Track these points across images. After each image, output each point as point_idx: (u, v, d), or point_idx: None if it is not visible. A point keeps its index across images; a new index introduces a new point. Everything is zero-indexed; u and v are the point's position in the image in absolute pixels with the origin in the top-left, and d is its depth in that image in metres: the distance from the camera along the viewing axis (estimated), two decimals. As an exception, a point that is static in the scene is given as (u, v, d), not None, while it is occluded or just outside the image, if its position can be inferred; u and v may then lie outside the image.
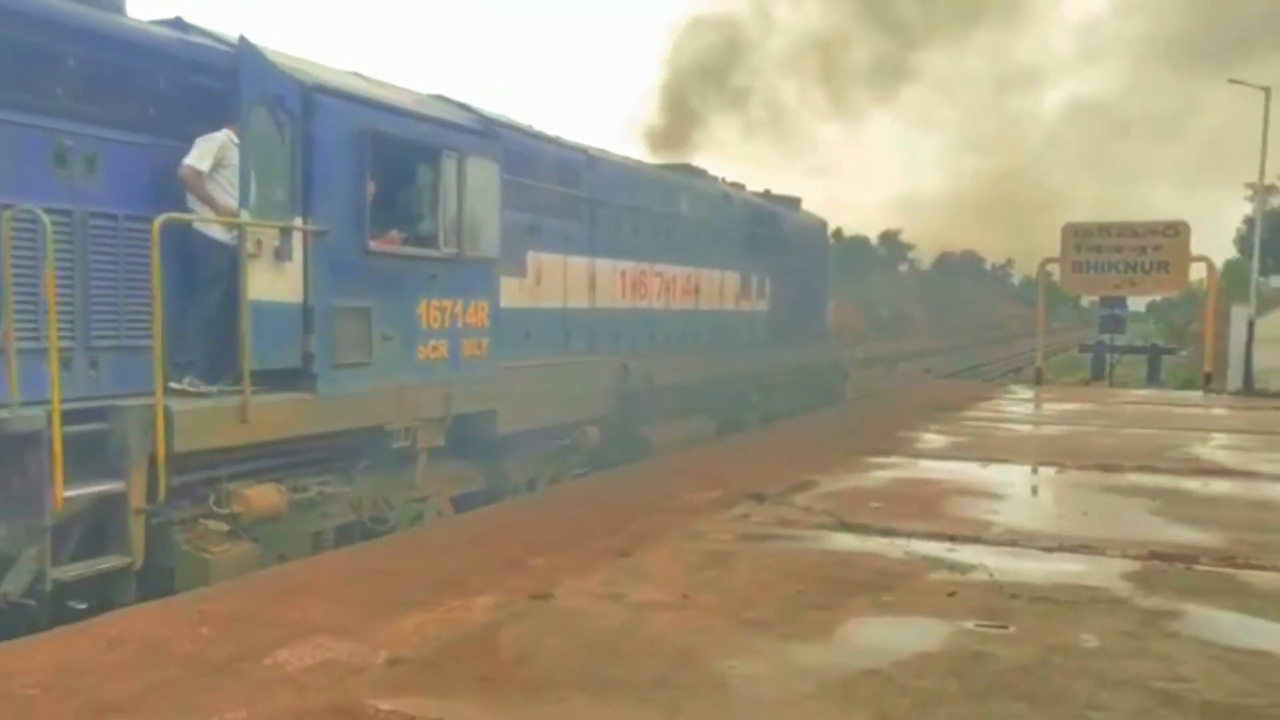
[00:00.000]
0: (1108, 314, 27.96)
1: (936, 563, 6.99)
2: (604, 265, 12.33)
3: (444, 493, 9.66)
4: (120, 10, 7.62)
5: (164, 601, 5.96)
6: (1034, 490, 10.62)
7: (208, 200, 7.61)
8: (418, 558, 6.91)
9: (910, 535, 7.78)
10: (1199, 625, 5.71)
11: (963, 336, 67.00)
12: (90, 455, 6.53)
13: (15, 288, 6.41)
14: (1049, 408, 19.56)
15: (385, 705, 4.37)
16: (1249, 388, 22.77)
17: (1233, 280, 42.43)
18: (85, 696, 4.42)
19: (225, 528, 7.32)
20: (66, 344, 6.68)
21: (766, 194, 18.29)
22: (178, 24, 8.16)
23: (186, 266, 7.46)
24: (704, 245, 14.92)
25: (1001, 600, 6.12)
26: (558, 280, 11.34)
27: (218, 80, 7.82)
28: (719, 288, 15.49)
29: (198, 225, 7.54)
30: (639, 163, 14.60)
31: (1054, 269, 25.69)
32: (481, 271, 9.88)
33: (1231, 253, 53.17)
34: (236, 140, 7.66)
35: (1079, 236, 24.63)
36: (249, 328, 7.42)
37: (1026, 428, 16.17)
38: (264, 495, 7.53)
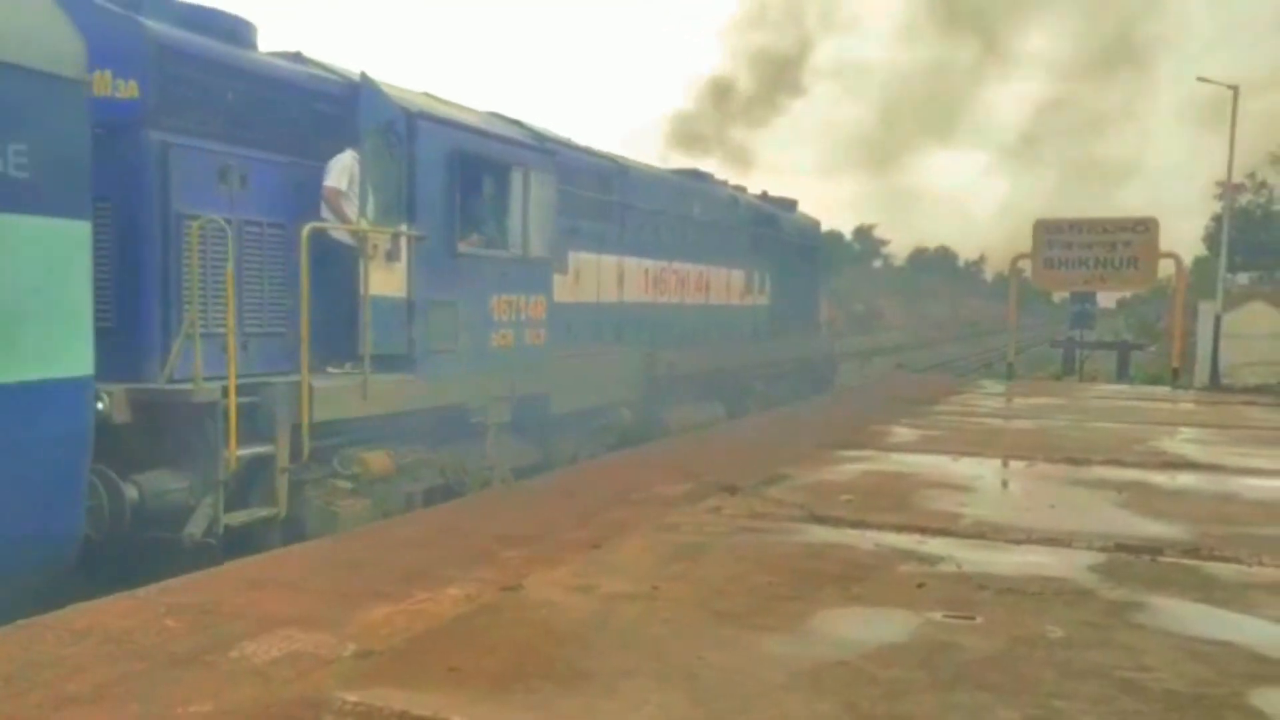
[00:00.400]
0: (1078, 310, 28.25)
1: (906, 555, 7.02)
2: (630, 264, 13.62)
3: (507, 463, 10.85)
4: (254, 46, 9.14)
5: (129, 594, 5.90)
6: (1003, 483, 10.69)
7: (340, 213, 9.00)
8: (386, 550, 6.87)
9: (881, 528, 7.82)
10: (1163, 616, 5.77)
11: (935, 332, 67.39)
12: (245, 423, 7.78)
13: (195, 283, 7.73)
14: (1019, 402, 19.69)
15: (352, 697, 4.35)
16: (1215, 383, 23.02)
17: (1201, 277, 42.85)
18: (47, 690, 4.37)
19: (349, 486, 8.72)
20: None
21: (764, 195, 19.28)
22: (298, 58, 9.63)
23: (315, 265, 8.45)
24: (713, 245, 16.12)
25: (970, 592, 6.16)
26: (593, 277, 12.64)
27: (334, 107, 9.39)
28: (726, 284, 16.76)
29: (330, 231, 8.91)
30: (659, 169, 15.85)
31: (1025, 265, 25.89)
32: (540, 270, 11.32)
33: (1200, 249, 53.72)
34: (358, 159, 9.13)
35: (1050, 233, 24.85)
36: (369, 318, 8.87)
37: (997, 422, 16.27)
38: (379, 459, 9.00)
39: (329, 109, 9.41)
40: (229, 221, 7.87)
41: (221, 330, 7.83)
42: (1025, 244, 25.11)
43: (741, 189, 18.29)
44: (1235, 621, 5.74)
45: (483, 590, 5.92)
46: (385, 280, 9.24)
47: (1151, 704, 4.45)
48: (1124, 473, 10.74)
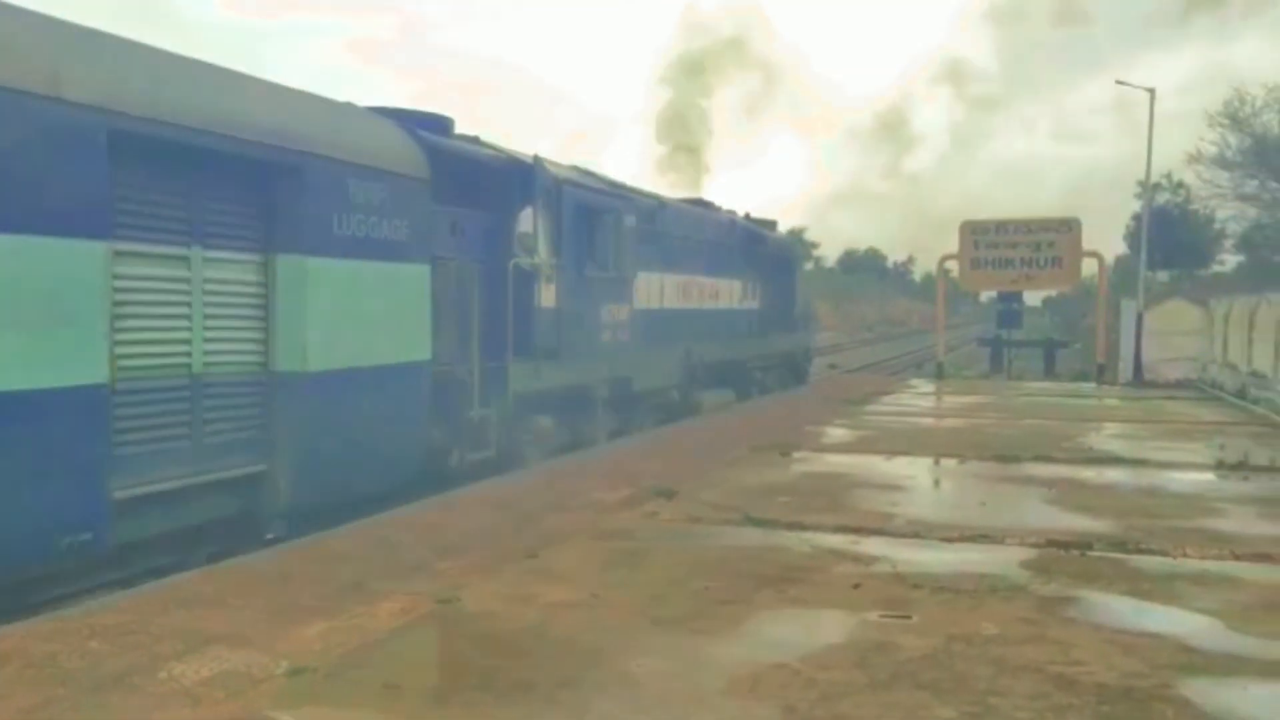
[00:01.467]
0: (1005, 309, 28.74)
1: (842, 555, 7.08)
2: (669, 279, 16.83)
3: (605, 428, 14.25)
4: (450, 133, 11.86)
5: (51, 615, 5.73)
6: (935, 482, 10.83)
7: (528, 250, 11.91)
8: (319, 563, 6.75)
9: (817, 529, 7.87)
10: (1093, 610, 5.88)
11: (867, 332, 68.15)
12: (477, 392, 11.00)
13: (441, 300, 10.47)
14: (949, 401, 19.99)
15: (286, 716, 4.26)
16: (1138, 379, 23.56)
17: (1124, 275, 43.84)
18: (-34, 718, 4.22)
19: (530, 438, 12.15)
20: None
21: (747, 217, 22.40)
22: (479, 140, 12.58)
23: (500, 288, 11.45)
24: (719, 260, 19.30)
25: (905, 591, 6.22)
26: (644, 290, 15.67)
27: (508, 176, 12.17)
28: (729, 292, 19.95)
29: (520, 263, 11.73)
30: (681, 201, 19.41)
31: (953, 265, 26.31)
32: (627, 286, 14.86)
33: (1122, 248, 55.00)
34: (535, 212, 12.10)
35: (976, 234, 25.29)
36: (540, 323, 12.15)
37: (928, 421, 16.49)
38: (544, 421, 12.51)
39: (506, 177, 12.16)
40: (454, 259, 10.87)
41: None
42: (952, 245, 25.55)
43: (732, 212, 21.49)
44: (1162, 613, 5.86)
45: (419, 603, 5.84)
46: (547, 296, 12.40)
47: (1084, 697, 4.52)
48: (1053, 469, 10.94)
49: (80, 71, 6.76)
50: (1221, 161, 45.05)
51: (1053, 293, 47.48)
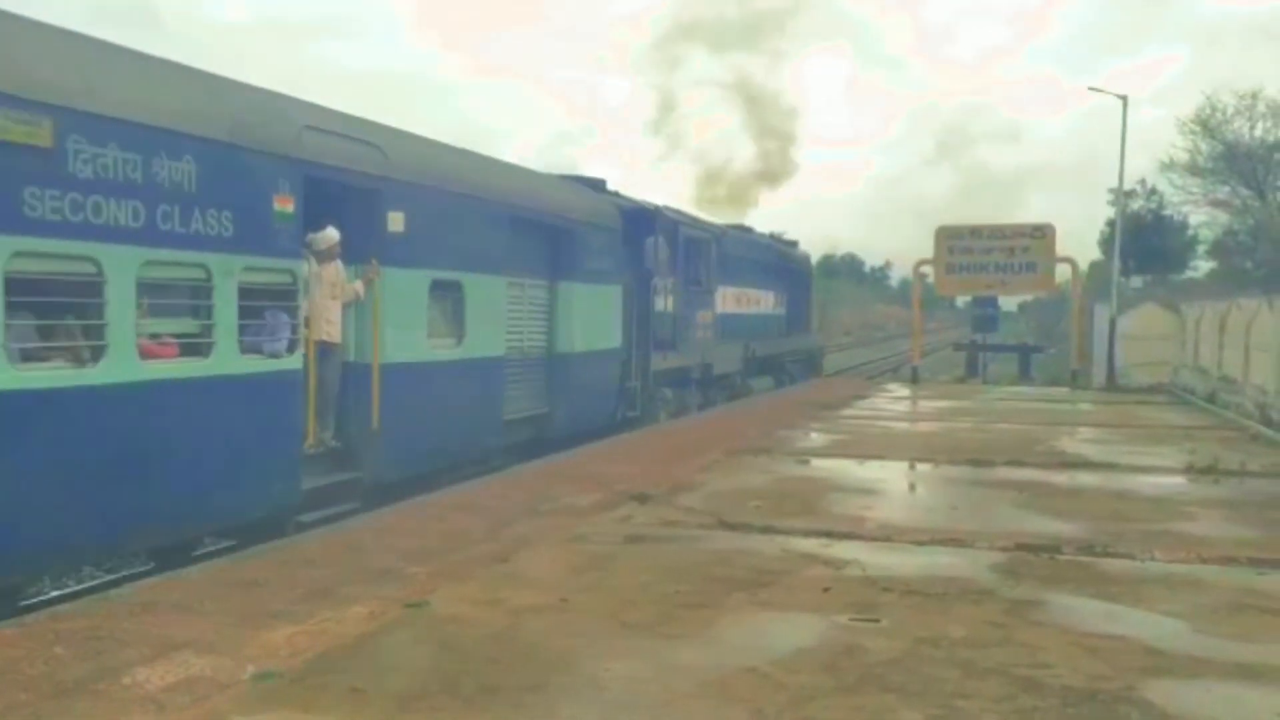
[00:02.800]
0: (980, 314, 28.92)
1: (813, 559, 7.09)
2: (730, 290, 21.42)
3: (696, 400, 19.12)
4: (605, 189, 16.68)
5: (15, 621, 5.67)
6: (908, 486, 10.87)
7: (658, 272, 16.86)
8: (287, 568, 6.70)
9: (788, 532, 7.89)
10: (1061, 613, 5.91)
11: (844, 336, 68.33)
12: (630, 369, 16.19)
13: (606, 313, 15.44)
14: (924, 405, 20.07)
15: (249, 722, 4.23)
16: (1112, 383, 23.70)
17: (1098, 280, 44.14)
18: (-76, 725, 4.17)
19: (658, 402, 17.07)
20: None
21: (773, 236, 27.16)
22: (619, 194, 16.94)
23: (641, 299, 16.47)
24: (760, 274, 23.99)
25: (875, 594, 6.23)
26: (719, 299, 20.43)
27: (642, 218, 16.78)
28: (766, 300, 24.69)
29: (655, 281, 16.80)
30: (731, 227, 23.48)
31: (928, 270, 26.43)
32: (712, 296, 20.00)
33: (1097, 254, 55.38)
34: (659, 243, 17.10)
35: (951, 239, 25.42)
36: (663, 324, 17.11)
37: (903, 425, 16.56)
38: (667, 392, 17.31)
39: (641, 219, 16.74)
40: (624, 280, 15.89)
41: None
42: (929, 249, 25.67)
43: (762, 234, 26.29)
44: (1129, 616, 5.90)
45: (387, 608, 5.82)
46: (666, 305, 17.21)
47: (1049, 700, 4.54)
48: (1025, 473, 11.00)
49: (529, 198, 13.18)
50: (1193, 168, 45.41)
51: (1028, 298, 47.85)
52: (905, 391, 23.54)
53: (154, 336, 7.50)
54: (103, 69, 7.29)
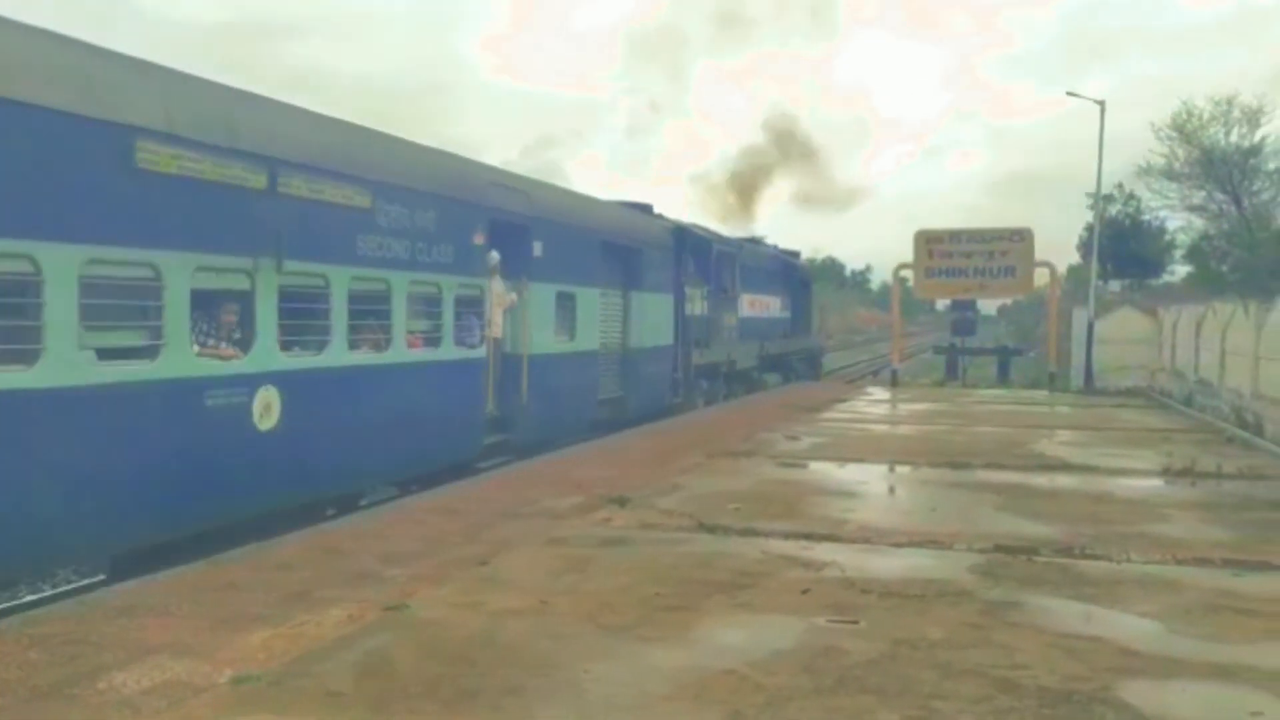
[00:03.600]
0: (959, 317, 29.03)
1: (793, 561, 7.11)
2: (747, 296, 24.16)
3: (723, 390, 22.03)
4: (652, 212, 19.88)
5: (-11, 626, 5.63)
6: (887, 488, 10.91)
7: (692, 282, 19.66)
8: (264, 572, 6.67)
9: (768, 535, 7.90)
10: (1038, 614, 5.94)
11: (827, 340, 68.43)
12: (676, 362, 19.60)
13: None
14: (904, 408, 20.15)
15: (226, 726, 4.21)
16: (1090, 386, 23.85)
17: (1076, 284, 44.36)
18: (-104, 730, 4.14)
19: (696, 391, 20.30)
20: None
21: (776, 247, 29.70)
22: (662, 215, 19.98)
23: (681, 304, 19.52)
24: (769, 282, 26.92)
25: (853, 596, 6.25)
26: (739, 304, 23.56)
27: (678, 235, 19.58)
28: (775, 305, 27.55)
29: (691, 289, 19.91)
30: (746, 240, 26.60)
31: (908, 274, 26.53)
32: (736, 302, 23.05)
33: (1075, 258, 55.66)
34: (691, 258, 20.06)
35: (930, 243, 25.54)
36: (698, 324, 20.16)
37: (882, 428, 16.61)
38: (703, 383, 20.56)
39: (678, 236, 19.64)
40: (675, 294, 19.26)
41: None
42: (908, 254, 25.79)
43: (771, 246, 29.23)
44: (1105, 617, 5.94)
45: (366, 611, 5.80)
46: (699, 309, 20.28)
47: (1026, 700, 4.57)
48: (1003, 475, 11.05)
49: (612, 227, 16.58)
50: (1170, 173, 45.76)
51: (1007, 301, 48.08)
52: (885, 394, 23.64)
53: (411, 332, 10.79)
54: (391, 153, 10.88)
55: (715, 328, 21.37)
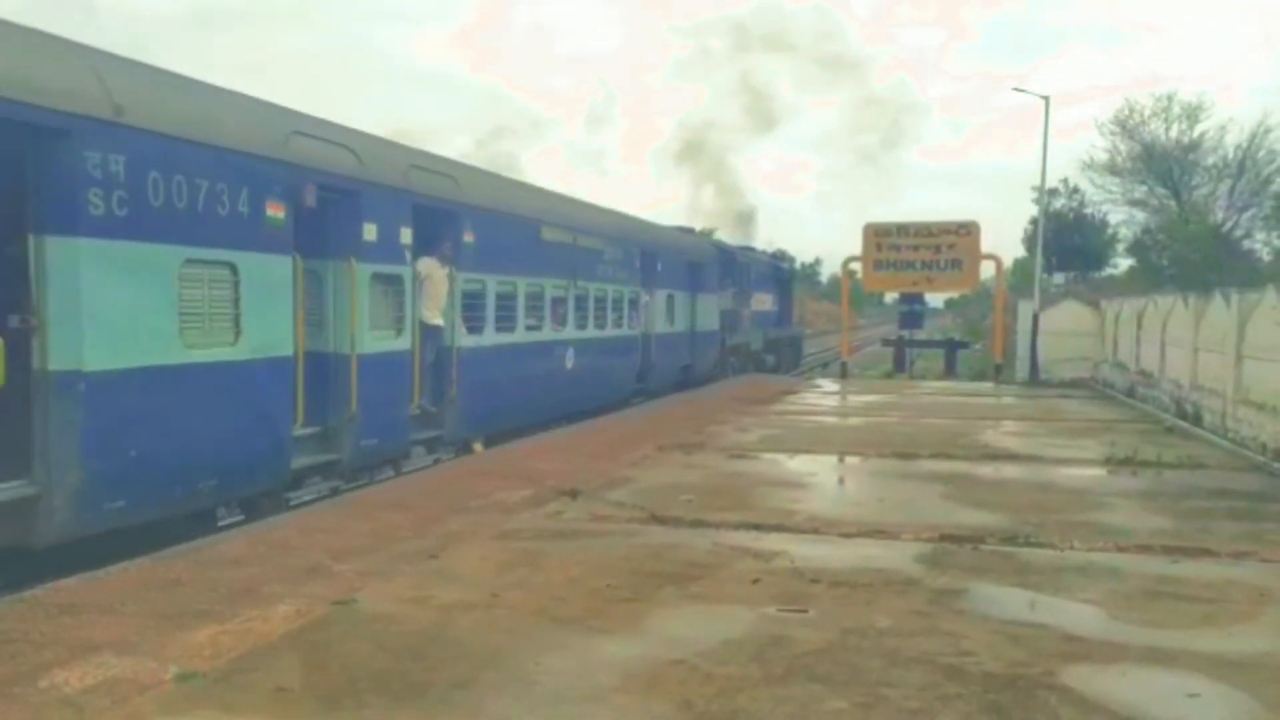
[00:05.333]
0: (907, 310, 29.32)
1: (743, 552, 7.15)
2: (753, 294, 29.65)
3: (743, 366, 27.79)
4: (693, 231, 29.47)
5: (-74, 625, 5.52)
6: (836, 479, 11.00)
7: (721, 285, 26.09)
8: (209, 568, 6.58)
9: (719, 526, 7.94)
10: (983, 602, 6.03)
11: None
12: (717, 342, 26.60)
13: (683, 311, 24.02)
14: (853, 400, 20.32)
15: (171, 723, 4.16)
16: (1034, 378, 24.19)
17: (1022, 277, 44.98)
18: None
19: (727, 366, 26.73)
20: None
21: (768, 253, 36.17)
22: (697, 233, 29.92)
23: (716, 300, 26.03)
24: (765, 282, 32.17)
25: (803, 586, 6.30)
26: (750, 301, 29.84)
27: (713, 249, 26.85)
28: (769, 300, 32.70)
29: (724, 291, 26.55)
30: (744, 248, 32.48)
31: (857, 267, 26.74)
32: (750, 298, 29.16)
33: (1020, 251, 56.45)
34: (721, 266, 26.61)
35: (879, 236, 25.75)
36: (728, 315, 26.64)
37: (832, 420, 16.73)
38: (731, 359, 27.14)
39: (721, 251, 26.80)
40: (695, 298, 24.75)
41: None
42: (857, 246, 26.00)
43: (765, 251, 35.88)
44: (1048, 604, 6.04)
45: (313, 606, 5.75)
46: (729, 304, 26.33)
47: (971, 687, 4.64)
48: (950, 466, 11.19)
49: (690, 250, 24.54)
50: (1112, 168, 46.57)
51: (954, 294, 48.62)
52: (835, 387, 23.82)
53: (617, 316, 18.93)
54: (602, 218, 19.23)
55: (738, 318, 28.00)
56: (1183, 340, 16.03)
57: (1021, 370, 25.03)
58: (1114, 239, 51.99)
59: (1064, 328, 24.41)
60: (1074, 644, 5.28)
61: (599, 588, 6.23)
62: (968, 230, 25.38)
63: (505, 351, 14.10)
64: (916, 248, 25.30)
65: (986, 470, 10.94)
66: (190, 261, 8.13)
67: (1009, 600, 6.10)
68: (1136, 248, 48.02)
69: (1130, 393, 19.70)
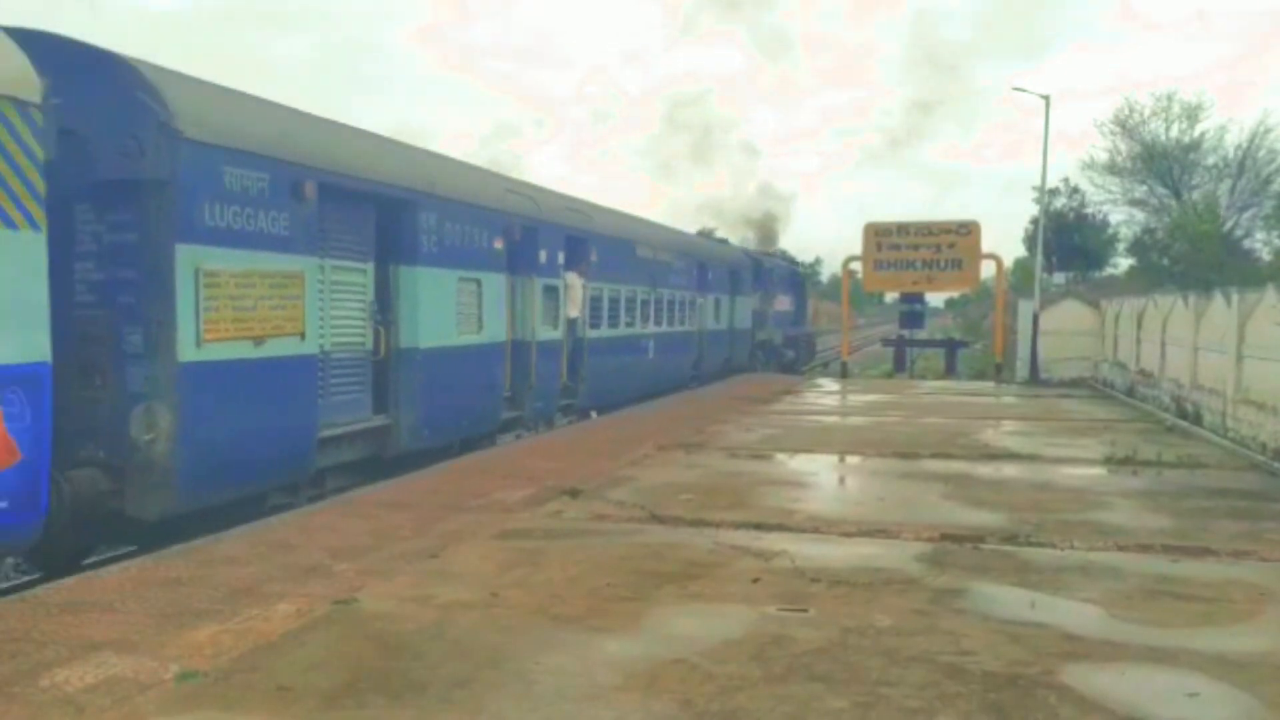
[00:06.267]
0: (907, 310, 29.33)
1: (743, 551, 7.15)
2: (775, 295, 33.01)
3: (768, 362, 31.71)
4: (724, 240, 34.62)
5: (-74, 624, 5.53)
6: (837, 479, 11.00)
7: (757, 289, 31.12)
8: (210, 567, 6.59)
9: (719, 525, 7.94)
10: (983, 601, 6.03)
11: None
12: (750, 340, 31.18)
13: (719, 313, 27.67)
14: (853, 399, 20.32)
15: (172, 722, 4.16)
16: (1035, 377, 24.19)
17: (1022, 276, 44.96)
18: None
19: (755, 359, 30.87)
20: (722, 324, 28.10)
21: (785, 257, 40.78)
22: (728, 242, 34.03)
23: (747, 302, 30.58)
24: (783, 285, 35.49)
25: (803, 585, 6.31)
26: (773, 301, 33.83)
27: (741, 254, 31.43)
28: (787, 302, 35.83)
29: (752, 293, 31.02)
30: (764, 253, 36.73)
31: (857, 267, 26.74)
32: (774, 300, 33.43)
33: (1021, 250, 56.41)
34: (759, 273, 31.75)
35: (879, 236, 25.75)
36: (756, 314, 30.94)
37: (832, 419, 16.74)
38: (759, 353, 31.34)
39: (754, 259, 31.53)
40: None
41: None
42: (857, 246, 26.00)
43: (783, 258, 39.93)
44: (1048, 603, 6.04)
45: (314, 605, 5.75)
46: (756, 305, 30.56)
47: (971, 686, 4.64)
48: (950, 465, 11.19)
49: (731, 260, 29.16)
50: (1112, 168, 46.55)
51: (955, 294, 48.63)
52: (835, 386, 23.83)
53: (681, 315, 23.11)
54: (677, 239, 24.89)
55: (765, 317, 31.73)
56: (1183, 340, 16.03)
57: (1022, 370, 25.02)
58: (1114, 239, 51.96)
59: (1064, 327, 24.40)
60: (1074, 643, 5.28)
61: (599, 586, 6.24)
62: (968, 230, 25.39)
63: (615, 342, 18.79)
64: (917, 247, 25.31)
65: (987, 470, 10.94)
66: (460, 279, 12.60)
67: (1009, 599, 6.10)
68: (1137, 247, 47.98)
69: (1130, 392, 19.70)
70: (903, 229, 25.67)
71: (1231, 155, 44.08)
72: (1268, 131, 42.90)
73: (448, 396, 12.09)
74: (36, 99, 6.62)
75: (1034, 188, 41.20)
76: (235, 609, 5.66)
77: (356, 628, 5.42)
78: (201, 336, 8.27)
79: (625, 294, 19.20)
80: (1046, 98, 26.51)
